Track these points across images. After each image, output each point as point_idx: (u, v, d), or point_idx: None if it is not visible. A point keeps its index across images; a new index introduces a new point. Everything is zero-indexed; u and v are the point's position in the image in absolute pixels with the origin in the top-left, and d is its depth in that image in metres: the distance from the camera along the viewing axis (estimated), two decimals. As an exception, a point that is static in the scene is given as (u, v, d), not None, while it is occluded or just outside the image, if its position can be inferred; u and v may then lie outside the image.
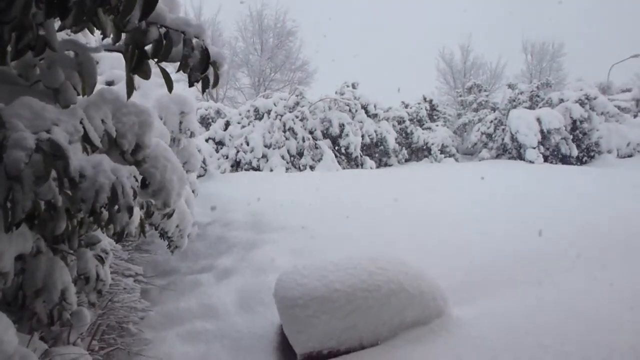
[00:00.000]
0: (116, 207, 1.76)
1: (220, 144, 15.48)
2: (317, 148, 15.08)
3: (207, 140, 15.24)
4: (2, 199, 1.54)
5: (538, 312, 3.86)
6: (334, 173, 13.34)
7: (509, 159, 18.06)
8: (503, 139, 18.51)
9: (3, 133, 1.54)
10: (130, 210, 1.79)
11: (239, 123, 15.98)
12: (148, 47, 1.99)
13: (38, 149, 1.53)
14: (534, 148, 16.67)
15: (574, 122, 17.22)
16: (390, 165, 17.71)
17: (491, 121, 19.59)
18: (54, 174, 1.63)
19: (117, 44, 2.07)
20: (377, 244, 5.83)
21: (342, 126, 15.72)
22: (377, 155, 17.42)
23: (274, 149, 14.60)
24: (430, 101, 21.74)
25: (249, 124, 15.70)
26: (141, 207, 2.99)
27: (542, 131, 16.90)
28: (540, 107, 18.52)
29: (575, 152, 16.98)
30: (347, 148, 15.70)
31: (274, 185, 10.15)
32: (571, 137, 17.21)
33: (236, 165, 14.49)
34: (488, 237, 5.99)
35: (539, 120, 17.01)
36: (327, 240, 6.06)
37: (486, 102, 21.90)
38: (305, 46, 34.59)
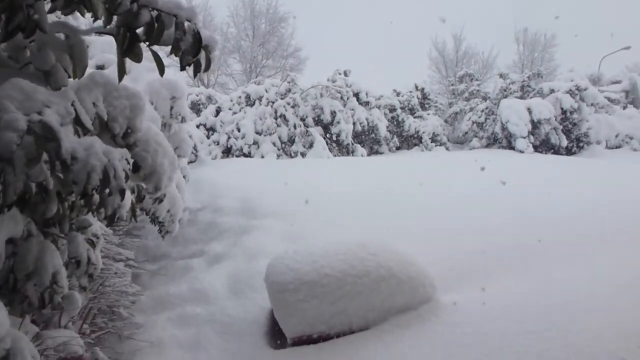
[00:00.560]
0: (107, 190, 1.76)
1: (211, 130, 15.42)
2: (308, 135, 15.06)
3: (198, 126, 15.16)
4: (-7, 181, 1.54)
5: (524, 299, 3.92)
6: (325, 160, 13.35)
7: (499, 148, 18.13)
8: (494, 129, 18.58)
9: (-6, 115, 1.53)
10: (122, 193, 1.80)
11: (230, 109, 15.91)
12: (139, 30, 1.98)
13: (30, 131, 1.53)
14: (524, 138, 16.75)
15: (564, 112, 17.32)
16: (381, 153, 17.73)
17: (482, 110, 19.65)
18: (45, 156, 1.63)
19: (109, 26, 2.06)
20: (368, 230, 5.86)
21: (333, 113, 15.70)
22: (368, 143, 17.43)
23: (265, 135, 14.56)
24: (422, 90, 21.73)
25: (240, 111, 15.63)
26: (132, 191, 2.99)
27: (532, 121, 16.97)
28: (531, 97, 18.59)
29: (564, 143, 17.09)
30: (338, 135, 15.69)
31: (264, 171, 10.14)
32: (561, 127, 17.31)
33: (227, 152, 14.44)
34: (477, 225, 6.05)
35: (529, 110, 17.08)
36: (318, 226, 6.09)
37: (477, 91, 21.93)
38: (297, 33, 34.39)
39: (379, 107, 18.12)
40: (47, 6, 2.01)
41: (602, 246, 5.10)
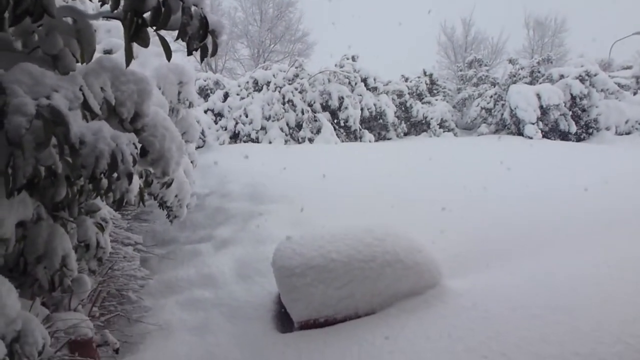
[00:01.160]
0: (115, 174, 1.77)
1: (219, 115, 15.42)
2: (316, 121, 15.03)
3: (205, 112, 15.17)
4: (3, 165, 1.56)
5: (530, 284, 3.92)
6: (332, 146, 13.33)
7: (508, 134, 18.01)
8: (502, 114, 18.45)
9: (3, 99, 1.54)
10: (129, 177, 1.81)
11: (237, 94, 15.88)
12: (146, 15, 1.98)
13: (38, 115, 1.54)
14: (533, 124, 16.62)
15: (574, 98, 17.14)
16: (389, 139, 17.67)
17: (491, 96, 19.50)
18: (54, 140, 1.64)
19: (116, 11, 2.06)
20: (375, 216, 5.87)
21: (341, 99, 15.64)
22: (376, 128, 17.37)
23: (272, 121, 14.55)
24: (430, 75, 21.58)
25: (248, 96, 15.60)
26: (140, 176, 3.02)
27: (541, 107, 16.82)
28: (540, 83, 18.40)
29: (573, 129, 16.94)
30: (346, 121, 15.65)
31: (272, 157, 10.15)
32: (570, 113, 17.14)
33: (235, 137, 14.45)
34: (484, 212, 6.04)
35: (538, 96, 16.92)
36: (325, 212, 6.11)
37: (486, 77, 21.74)
38: (305, 17, 34.13)
39: (387, 93, 18.02)
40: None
41: (609, 233, 5.07)
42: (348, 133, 15.88)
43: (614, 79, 18.69)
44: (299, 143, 14.43)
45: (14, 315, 1.75)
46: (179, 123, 5.38)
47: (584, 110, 17.24)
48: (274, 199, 6.74)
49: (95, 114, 1.88)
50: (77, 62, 2.16)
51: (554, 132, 17.21)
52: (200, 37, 2.07)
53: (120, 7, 1.97)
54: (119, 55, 4.28)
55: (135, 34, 1.99)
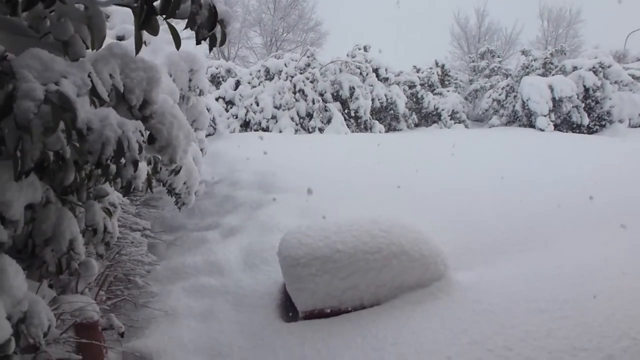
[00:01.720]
0: (122, 160, 1.79)
1: (230, 103, 15.44)
2: (326, 110, 15.01)
3: (217, 99, 15.19)
4: (12, 148, 1.58)
5: (536, 279, 3.92)
6: (342, 136, 13.31)
7: (520, 126, 17.90)
8: (514, 106, 18.31)
9: (13, 84, 1.56)
10: (135, 164, 1.83)
11: (249, 83, 15.88)
12: (156, 3, 1.99)
13: (47, 100, 1.55)
14: (545, 116, 16.48)
15: (587, 90, 16.96)
16: (399, 130, 17.62)
17: (503, 88, 19.34)
18: (62, 125, 1.66)
19: (127, -2, 2.07)
20: (383, 206, 5.88)
21: (352, 89, 15.59)
22: (386, 119, 17.31)
23: (283, 110, 14.54)
24: (442, 66, 21.43)
25: (259, 84, 15.60)
26: (148, 163, 3.04)
27: (553, 99, 16.67)
28: (553, 75, 18.21)
29: (586, 121, 16.77)
30: (356, 111, 15.61)
31: (282, 146, 10.17)
32: (583, 105, 16.97)
33: (245, 125, 14.47)
34: (491, 204, 6.02)
35: (551, 87, 16.76)
36: (333, 202, 6.12)
37: (499, 68, 21.55)
38: (318, 6, 33.97)
39: (398, 84, 17.93)
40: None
41: (620, 225, 5.04)
42: (358, 123, 15.85)
43: (629, 70, 18.41)
44: (309, 132, 14.43)
45: (20, 297, 1.78)
46: (189, 110, 5.40)
47: (597, 102, 17.06)
48: (283, 188, 6.75)
49: (103, 100, 1.89)
50: (88, 48, 2.18)
51: (566, 124, 17.06)
52: (209, 26, 2.08)
53: (132, -5, 1.99)
54: (131, 42, 4.31)
55: (145, 22, 2.00)
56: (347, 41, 18.88)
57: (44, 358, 2.50)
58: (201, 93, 5.42)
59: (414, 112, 18.37)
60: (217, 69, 17.25)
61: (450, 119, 18.72)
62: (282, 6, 33.04)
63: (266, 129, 14.22)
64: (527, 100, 16.85)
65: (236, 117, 14.64)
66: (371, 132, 15.87)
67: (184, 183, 4.41)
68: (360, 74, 16.49)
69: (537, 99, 16.56)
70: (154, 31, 2.06)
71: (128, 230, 4.34)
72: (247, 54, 34.17)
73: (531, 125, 17.09)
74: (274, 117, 14.39)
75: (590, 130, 17.01)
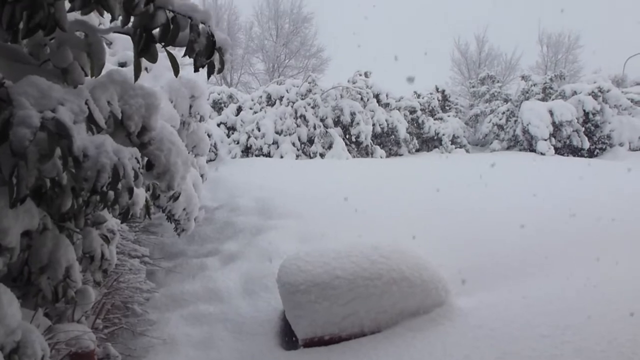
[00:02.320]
0: (119, 187, 1.79)
1: (231, 129, 15.52)
2: (327, 136, 15.06)
3: (218, 125, 15.27)
4: (7, 175, 1.58)
5: (538, 303, 3.88)
6: (343, 161, 13.33)
7: (520, 150, 17.96)
8: (514, 131, 18.40)
9: (10, 110, 1.57)
10: (130, 191, 1.83)
11: (251, 109, 15.99)
12: (155, 31, 2.01)
13: (43, 128, 1.56)
14: (545, 140, 16.56)
15: (586, 114, 17.09)
16: (400, 155, 17.65)
17: (503, 112, 19.47)
18: (59, 152, 1.66)
19: (126, 26, 2.10)
20: (384, 232, 5.85)
21: (353, 115, 15.67)
22: (387, 144, 17.37)
23: (284, 135, 14.61)
24: (443, 91, 21.60)
25: (261, 110, 15.70)
26: (147, 189, 3.03)
27: (554, 123, 16.78)
28: (553, 100, 18.34)
29: (586, 145, 16.86)
30: (357, 137, 15.66)
31: (283, 171, 10.18)
32: (583, 129, 17.08)
33: (247, 151, 14.52)
34: (492, 229, 5.98)
35: (551, 112, 16.88)
36: (334, 228, 6.09)
37: (499, 93, 21.72)
38: (320, 33, 34.42)
39: (399, 109, 18.04)
40: (68, 5, 2.06)
41: (620, 251, 5.01)
42: (359, 149, 15.89)
43: (627, 94, 18.57)
44: (311, 158, 14.46)
45: (14, 326, 1.75)
46: (190, 136, 5.41)
47: (597, 126, 17.16)
48: (283, 213, 6.73)
49: (100, 127, 1.90)
50: (87, 75, 2.20)
51: (566, 148, 17.13)
52: (207, 54, 2.10)
53: (131, 24, 2.01)
54: (132, 69, 4.35)
55: (144, 50, 2.03)
56: (349, 66, 19.04)
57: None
58: (202, 119, 5.45)
59: (414, 137, 18.44)
60: (219, 94, 17.39)
61: (451, 144, 18.78)
62: (285, 33, 33.48)
63: (267, 155, 14.26)
64: (527, 125, 16.94)
65: (237, 143, 14.70)
66: (372, 157, 15.90)
67: (184, 209, 4.40)
68: (361, 99, 16.60)
69: (537, 124, 16.65)
70: (153, 59, 2.09)
71: (126, 257, 4.31)
72: (250, 79, 34.51)
73: (532, 149, 17.15)
74: (275, 142, 14.44)
75: (591, 154, 17.07)
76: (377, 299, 3.87)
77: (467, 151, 18.91)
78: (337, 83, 16.61)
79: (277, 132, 14.63)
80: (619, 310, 3.56)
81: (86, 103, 1.80)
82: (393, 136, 17.08)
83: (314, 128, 15.00)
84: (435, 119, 19.66)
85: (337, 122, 15.82)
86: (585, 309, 3.63)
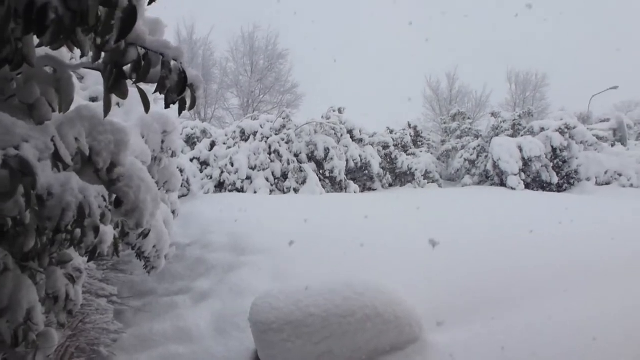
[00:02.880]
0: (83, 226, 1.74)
1: (204, 164, 15.43)
2: (301, 171, 15.09)
3: (191, 160, 15.17)
4: (-35, 215, 1.52)
5: (512, 338, 3.87)
6: (317, 196, 13.33)
7: (491, 185, 18.27)
8: (485, 166, 18.75)
9: (-30, 148, 1.52)
10: (96, 230, 1.78)
11: (224, 144, 15.97)
12: (127, 67, 2.00)
13: (5, 165, 1.52)
14: (516, 175, 16.91)
15: (554, 150, 17.57)
16: (374, 190, 17.77)
17: (474, 148, 19.87)
18: (22, 190, 1.61)
19: (97, 62, 2.08)
20: (357, 267, 5.81)
21: (327, 150, 15.78)
22: (361, 179, 17.48)
23: (258, 170, 14.58)
24: (415, 127, 21.99)
25: (234, 145, 15.68)
26: (116, 226, 2.96)
27: (523, 159, 17.18)
28: (522, 136, 18.83)
29: (555, 179, 17.26)
30: (331, 172, 15.74)
31: (257, 207, 10.11)
32: (551, 164, 17.52)
33: (220, 186, 14.42)
34: (465, 263, 6.00)
35: (520, 148, 17.30)
36: (307, 264, 6.03)
37: (470, 129, 22.21)
38: (295, 69, 34.91)
39: (372, 145, 18.25)
40: (37, 41, 2.03)
41: (591, 282, 5.07)
42: (333, 184, 15.95)
43: (593, 131, 19.26)
44: (284, 193, 14.43)
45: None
46: (161, 172, 5.34)
47: (564, 162, 17.63)
48: (256, 249, 6.65)
49: (66, 164, 1.86)
50: (54, 111, 2.16)
51: (536, 182, 17.50)
52: (179, 91, 2.09)
53: (102, 59, 2.00)
54: (102, 104, 4.31)
55: (115, 86, 2.00)
56: (323, 102, 19.30)
57: None
58: (174, 154, 5.39)
59: (388, 172, 18.61)
60: (192, 129, 17.34)
61: (424, 179, 19.00)
62: (260, 69, 33.84)
63: (241, 190, 14.18)
64: (497, 160, 17.28)
65: (211, 178, 14.60)
66: (346, 192, 15.96)
67: (154, 246, 4.30)
68: (335, 135, 16.75)
69: (507, 159, 17.01)
70: (123, 95, 2.06)
71: (93, 297, 4.18)
72: (224, 114, 34.64)
73: (502, 184, 17.47)
74: (248, 177, 14.39)
75: (559, 189, 17.46)
76: (352, 336, 3.82)
77: (440, 186, 19.16)
78: (311, 119, 16.75)
79: (250, 167, 14.60)
80: (592, 343, 3.57)
81: (52, 140, 1.76)
82: (367, 171, 17.21)
83: (288, 163, 15.03)
84: (408, 155, 19.93)
85: (311, 158, 15.89)
86: (559, 342, 3.64)
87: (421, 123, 26.44)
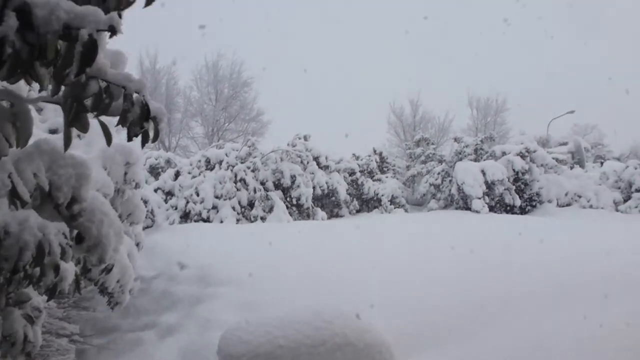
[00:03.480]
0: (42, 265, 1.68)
1: (169, 194, 15.20)
2: (268, 199, 15.04)
3: (155, 190, 14.94)
4: None
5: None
6: (285, 224, 13.28)
7: (457, 209, 18.55)
8: (450, 190, 19.06)
9: None
10: (56, 269, 1.72)
11: (189, 173, 15.80)
12: (88, 101, 1.97)
13: (-41, 205, 1.46)
14: (480, 198, 17.22)
15: (516, 173, 18.03)
16: (341, 216, 17.82)
17: (439, 173, 20.22)
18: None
19: (57, 95, 2.04)
20: (326, 295, 5.77)
21: (293, 177, 15.80)
22: (328, 206, 17.52)
23: (224, 199, 14.45)
24: (380, 154, 22.25)
25: (199, 174, 15.54)
26: (77, 262, 2.88)
27: (486, 182, 17.54)
28: (484, 160, 19.26)
29: (518, 202, 17.66)
30: (298, 199, 15.73)
31: (223, 237, 9.99)
32: (514, 187, 17.95)
33: (185, 217, 14.22)
34: (436, 287, 6.04)
35: (483, 172, 17.68)
36: (275, 293, 5.96)
37: (434, 154, 22.62)
38: (260, 97, 35.04)
39: (338, 171, 18.36)
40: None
41: (560, 303, 5.15)
42: (301, 211, 15.93)
43: (552, 154, 19.89)
44: (251, 222, 14.33)
45: None
46: (124, 204, 5.24)
47: (526, 185, 18.09)
48: (223, 281, 6.55)
49: (24, 201, 1.80)
50: (11, 146, 2.10)
51: (500, 205, 17.86)
52: (141, 123, 2.07)
53: (61, 92, 1.96)
54: (62, 137, 4.22)
55: (75, 120, 1.97)
56: (289, 130, 19.38)
57: None
58: (137, 186, 5.30)
59: (355, 198, 18.72)
60: (156, 159, 17.13)
61: (391, 204, 19.17)
62: (224, 97, 33.85)
63: (207, 220, 14.00)
64: (462, 184, 17.60)
65: (176, 208, 14.38)
66: (313, 219, 15.95)
67: (118, 281, 4.19)
68: (301, 162, 16.80)
69: (471, 183, 17.35)
70: (84, 129, 2.03)
71: (54, 337, 4.02)
72: (188, 143, 34.40)
73: (467, 207, 17.76)
74: (214, 207, 14.24)
75: (522, 211, 17.86)
76: (322, 367, 3.77)
77: (406, 211, 19.35)
78: (276, 146, 16.79)
79: (216, 197, 14.46)
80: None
81: (9, 177, 1.71)
82: (334, 198, 17.27)
83: (254, 191, 14.96)
84: (374, 180, 20.11)
85: (277, 185, 15.87)
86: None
87: (386, 149, 26.79)
